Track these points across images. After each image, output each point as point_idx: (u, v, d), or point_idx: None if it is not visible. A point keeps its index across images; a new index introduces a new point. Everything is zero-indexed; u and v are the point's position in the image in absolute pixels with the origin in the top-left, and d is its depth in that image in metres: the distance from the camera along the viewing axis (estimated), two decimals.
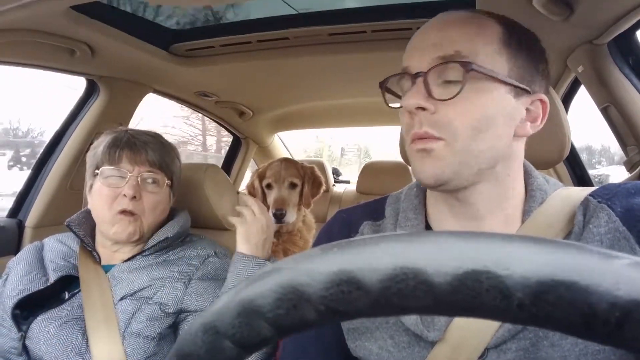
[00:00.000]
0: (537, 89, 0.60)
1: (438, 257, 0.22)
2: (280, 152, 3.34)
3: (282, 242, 1.76)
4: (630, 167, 1.24)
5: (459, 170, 0.57)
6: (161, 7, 1.43)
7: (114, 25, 1.33)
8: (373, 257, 0.23)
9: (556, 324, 0.21)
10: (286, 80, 1.96)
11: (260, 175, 1.86)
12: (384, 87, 0.64)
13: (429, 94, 0.56)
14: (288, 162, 1.89)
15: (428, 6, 1.32)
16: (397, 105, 0.61)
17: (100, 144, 1.07)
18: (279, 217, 1.72)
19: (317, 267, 0.24)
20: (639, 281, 0.20)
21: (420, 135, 0.57)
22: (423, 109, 0.56)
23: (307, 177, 1.86)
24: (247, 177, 3.28)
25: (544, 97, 0.61)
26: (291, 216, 1.74)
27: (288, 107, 2.46)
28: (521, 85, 0.57)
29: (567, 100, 1.62)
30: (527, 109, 0.59)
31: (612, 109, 1.21)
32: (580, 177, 1.76)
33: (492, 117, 0.56)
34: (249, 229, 1.05)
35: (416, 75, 0.58)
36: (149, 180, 1.06)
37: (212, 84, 1.99)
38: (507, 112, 0.57)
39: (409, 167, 0.60)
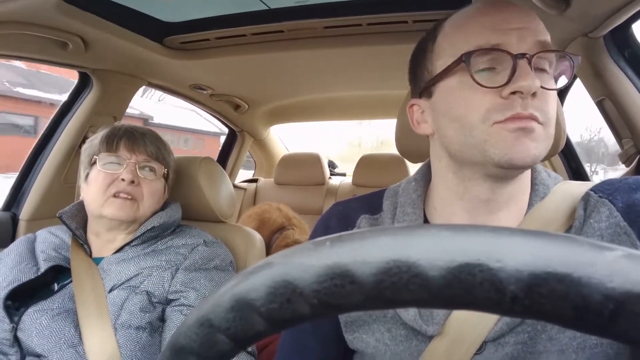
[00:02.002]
0: None
1: (431, 250, 0.22)
2: (276, 145, 3.34)
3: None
4: (625, 159, 1.25)
5: (545, 155, 0.57)
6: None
7: (107, 17, 1.31)
8: (367, 250, 0.23)
9: (549, 317, 0.21)
10: (281, 74, 1.95)
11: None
12: (468, 59, 0.55)
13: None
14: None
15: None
16: (494, 84, 0.54)
17: (98, 136, 1.09)
18: None
19: (310, 260, 0.23)
20: (632, 273, 0.20)
21: (525, 117, 0.53)
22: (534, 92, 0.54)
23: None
24: (242, 174, 3.28)
25: None
26: None
27: (283, 100, 2.45)
28: None
29: (562, 93, 1.62)
30: None
31: (607, 102, 1.21)
32: (575, 169, 1.77)
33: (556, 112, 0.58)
34: None
35: (521, 56, 0.54)
36: (147, 169, 1.08)
37: (207, 76, 1.98)
38: None
39: (405, 160, 0.60)
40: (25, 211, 1.57)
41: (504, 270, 0.21)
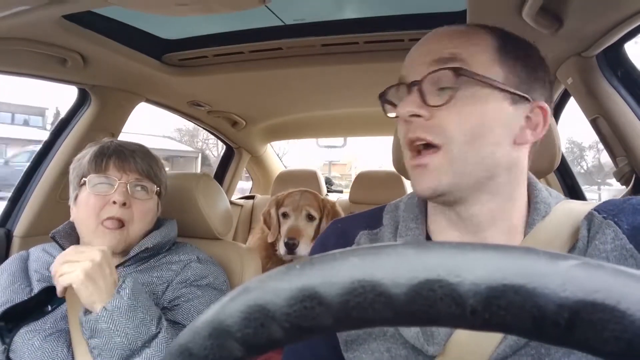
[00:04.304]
0: (536, 97, 0.59)
1: (393, 268, 0.22)
2: (273, 162, 3.34)
3: None
4: (620, 177, 1.25)
5: (457, 180, 0.56)
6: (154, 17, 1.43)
7: (106, 34, 1.32)
8: (334, 271, 0.23)
9: (509, 328, 0.21)
10: (279, 91, 1.96)
11: (278, 203, 1.83)
12: (383, 98, 0.65)
13: (424, 102, 0.56)
14: (308, 193, 1.85)
15: (420, 18, 1.33)
16: (393, 114, 0.63)
17: (85, 155, 1.05)
18: (291, 246, 1.65)
19: (280, 284, 0.24)
20: (585, 281, 0.20)
21: (412, 140, 0.58)
22: (418, 116, 0.57)
23: (326, 211, 1.81)
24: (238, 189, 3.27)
25: (544, 104, 0.60)
26: (304, 249, 1.68)
27: (281, 117, 2.46)
28: (518, 92, 0.57)
29: (557, 111, 1.64)
30: (527, 117, 0.59)
31: (601, 120, 1.22)
32: (570, 186, 1.77)
33: (488, 124, 0.56)
34: (88, 274, 0.82)
35: (412, 84, 0.58)
36: (138, 188, 1.04)
37: (204, 93, 1.99)
38: (504, 119, 0.57)
39: (402, 177, 0.60)
40: (19, 228, 1.55)
41: (462, 285, 0.21)
